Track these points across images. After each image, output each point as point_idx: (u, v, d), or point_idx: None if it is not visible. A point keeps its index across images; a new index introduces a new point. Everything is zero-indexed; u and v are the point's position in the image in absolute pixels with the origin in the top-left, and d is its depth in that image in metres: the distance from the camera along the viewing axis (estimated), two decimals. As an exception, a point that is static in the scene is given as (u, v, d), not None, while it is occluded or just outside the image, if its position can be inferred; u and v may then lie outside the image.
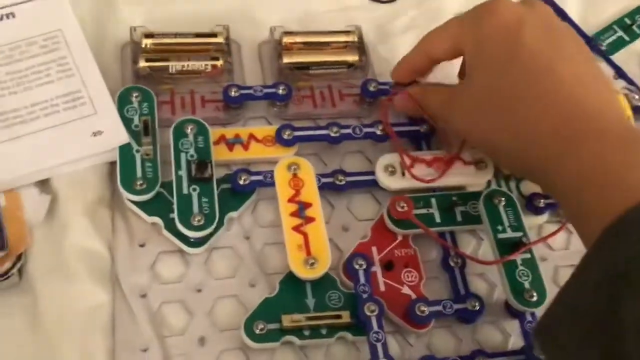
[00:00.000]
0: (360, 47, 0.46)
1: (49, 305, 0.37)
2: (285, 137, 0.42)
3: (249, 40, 0.47)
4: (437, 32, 0.41)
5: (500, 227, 0.40)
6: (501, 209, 0.41)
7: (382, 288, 0.39)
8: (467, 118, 0.39)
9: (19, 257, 0.38)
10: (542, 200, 0.42)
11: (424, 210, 0.41)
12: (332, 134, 0.43)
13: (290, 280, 0.39)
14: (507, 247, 0.39)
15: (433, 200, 0.41)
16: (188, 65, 0.44)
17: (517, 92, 0.36)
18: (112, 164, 0.41)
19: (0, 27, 0.44)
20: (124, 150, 0.40)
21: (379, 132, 0.43)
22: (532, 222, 0.42)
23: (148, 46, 0.44)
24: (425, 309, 0.38)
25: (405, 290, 0.39)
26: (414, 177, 0.41)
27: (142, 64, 0.43)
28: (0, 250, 0.37)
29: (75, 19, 0.44)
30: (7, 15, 0.44)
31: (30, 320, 0.37)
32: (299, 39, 0.46)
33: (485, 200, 0.41)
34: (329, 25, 0.48)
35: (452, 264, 0.41)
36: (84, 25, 0.45)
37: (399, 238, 0.41)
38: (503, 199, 0.41)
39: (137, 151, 0.40)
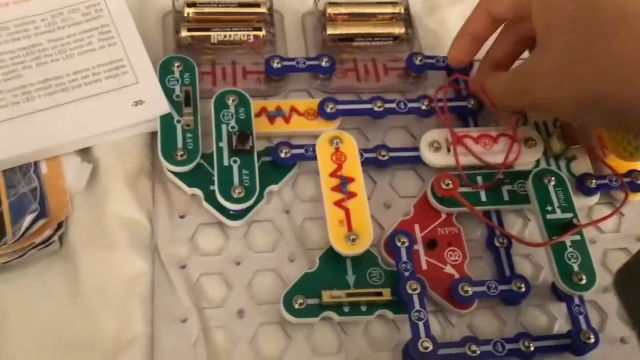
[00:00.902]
0: (406, 19, 0.45)
1: (89, 273, 0.37)
2: (327, 110, 0.41)
3: (292, 11, 0.46)
4: None
5: (549, 208, 0.39)
6: (551, 188, 0.39)
7: (424, 267, 0.38)
8: (551, 80, 0.36)
9: (59, 225, 0.38)
10: (593, 181, 0.41)
11: (469, 189, 0.40)
12: (376, 109, 0.42)
13: (330, 256, 0.38)
14: (556, 229, 0.38)
15: (479, 178, 0.40)
16: (230, 35, 0.43)
17: (608, 36, 0.34)
18: (153, 134, 0.41)
19: (45, -6, 0.44)
20: (165, 120, 0.40)
21: (424, 107, 0.42)
22: (582, 203, 0.41)
23: (190, 15, 0.43)
24: (469, 289, 0.37)
25: (448, 269, 0.38)
26: (473, 154, 0.39)
27: (184, 33, 0.43)
28: (42, 217, 0.37)
29: None
30: (52, -17, 0.44)
31: (71, 287, 0.37)
32: (343, 10, 0.44)
33: (534, 179, 0.39)
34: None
35: (497, 244, 0.39)
36: None
37: (443, 216, 0.40)
38: (553, 178, 0.39)
39: (178, 121, 0.40)
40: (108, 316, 0.36)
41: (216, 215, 0.39)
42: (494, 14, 0.40)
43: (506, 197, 0.40)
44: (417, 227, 0.39)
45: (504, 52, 0.41)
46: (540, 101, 0.37)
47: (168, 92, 0.41)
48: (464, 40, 0.42)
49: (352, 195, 0.39)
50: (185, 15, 0.43)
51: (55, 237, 0.37)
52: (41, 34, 0.42)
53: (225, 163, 0.39)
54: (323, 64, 0.43)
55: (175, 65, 0.42)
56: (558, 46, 0.36)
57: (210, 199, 0.39)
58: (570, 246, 0.38)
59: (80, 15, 0.43)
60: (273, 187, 0.40)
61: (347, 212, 0.38)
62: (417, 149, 0.41)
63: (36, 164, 0.39)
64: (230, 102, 0.41)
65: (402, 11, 0.45)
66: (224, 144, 0.39)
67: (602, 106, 0.35)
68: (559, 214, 0.38)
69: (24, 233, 0.37)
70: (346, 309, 0.37)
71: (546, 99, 0.37)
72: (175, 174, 0.39)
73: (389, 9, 0.45)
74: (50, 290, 0.37)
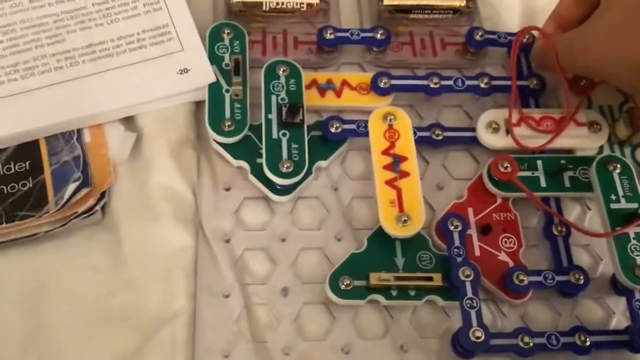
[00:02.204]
0: (468, -8, 0.43)
1: (132, 245, 0.36)
2: (381, 85, 0.40)
3: (348, -19, 0.45)
4: None
5: (613, 197, 0.36)
6: (616, 176, 0.37)
7: (478, 253, 0.37)
8: (608, 41, 0.35)
9: (102, 195, 0.37)
10: (661, 170, 0.38)
11: (528, 173, 0.38)
12: (432, 85, 0.40)
13: (379, 237, 0.36)
14: (619, 219, 0.36)
15: (539, 163, 0.38)
16: (282, 3, 0.41)
17: None
18: (199, 103, 0.40)
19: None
20: (213, 89, 0.39)
21: (482, 86, 0.40)
22: (647, 193, 0.39)
23: (243, -19, 0.42)
24: (525, 278, 0.35)
25: (503, 256, 0.37)
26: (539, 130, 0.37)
27: (235, -1, 0.41)
28: (84, 187, 0.36)
29: None
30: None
31: (113, 258, 0.36)
32: (401, -20, 0.43)
33: (598, 166, 0.37)
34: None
35: (555, 232, 0.37)
36: None
37: (499, 201, 0.38)
38: (618, 165, 0.37)
39: (227, 91, 0.39)
40: (150, 289, 0.35)
41: (262, 189, 0.38)
42: None
43: (567, 184, 0.38)
44: (470, 211, 0.38)
45: (570, 14, 0.39)
46: (597, 63, 0.36)
47: (217, 60, 0.39)
48: (553, 26, 0.40)
49: (404, 174, 0.37)
50: (237, -20, 0.42)
51: (98, 207, 0.37)
52: None
53: (274, 136, 0.38)
54: (378, 36, 0.41)
55: (225, 32, 0.40)
56: (618, 4, 0.34)
57: (257, 172, 0.38)
58: (634, 238, 0.35)
59: None
60: (322, 163, 0.39)
61: (399, 192, 0.36)
62: (473, 129, 0.39)
63: (79, 131, 0.38)
64: (281, 72, 0.39)
65: (463, -17, 0.43)
66: (273, 116, 0.38)
67: None
68: (624, 204, 0.36)
69: (66, 202, 0.36)
70: (394, 293, 0.35)
71: (603, 61, 0.36)
72: (222, 145, 0.38)
73: (449, -19, 0.43)
74: (92, 260, 0.36)
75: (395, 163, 0.37)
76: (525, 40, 0.41)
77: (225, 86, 0.39)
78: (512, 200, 0.38)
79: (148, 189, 0.37)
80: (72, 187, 0.36)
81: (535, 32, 0.41)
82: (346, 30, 0.41)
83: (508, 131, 0.39)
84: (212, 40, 0.40)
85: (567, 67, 0.38)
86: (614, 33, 0.35)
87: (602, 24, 0.36)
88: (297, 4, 0.41)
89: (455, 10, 0.42)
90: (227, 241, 0.37)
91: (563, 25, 0.39)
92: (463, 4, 0.42)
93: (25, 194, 0.36)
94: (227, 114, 0.38)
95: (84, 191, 0.36)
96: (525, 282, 0.35)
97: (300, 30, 0.42)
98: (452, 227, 0.36)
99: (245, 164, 0.38)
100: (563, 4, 0.40)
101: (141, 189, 0.38)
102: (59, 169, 0.37)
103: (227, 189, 0.38)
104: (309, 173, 0.38)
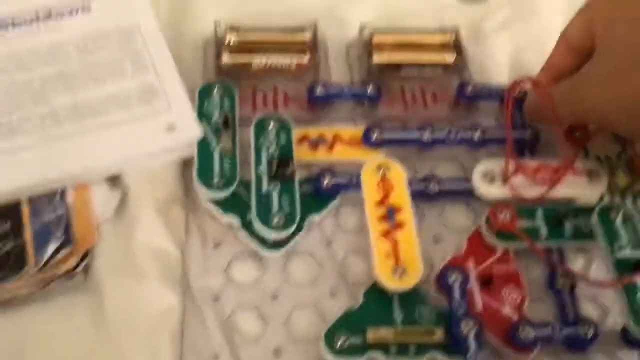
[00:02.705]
0: (457, 47, 0.43)
1: (115, 306, 0.34)
2: (373, 138, 0.39)
3: (337, 39, 0.45)
4: (573, 17, 0.38)
5: (618, 245, 0.35)
6: (619, 224, 0.36)
7: (480, 306, 0.35)
8: (604, 86, 0.35)
9: (85, 255, 0.35)
10: (665, 218, 0.37)
11: (528, 223, 0.37)
12: (425, 138, 0.39)
13: (376, 292, 0.35)
14: (626, 267, 0.34)
15: (539, 212, 0.37)
16: (272, 61, 0.41)
17: None
18: (186, 161, 0.39)
19: (76, 19, 0.43)
20: (202, 145, 0.38)
21: (476, 138, 0.40)
22: (652, 242, 0.37)
23: (232, 40, 0.42)
24: (531, 332, 0.33)
25: (507, 310, 0.35)
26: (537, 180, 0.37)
27: (226, 58, 0.41)
28: (66, 246, 0.35)
29: (152, 13, 0.43)
30: (83, 8, 0.43)
31: (95, 321, 0.34)
32: (390, 38, 0.43)
33: (600, 214, 0.36)
34: (417, 25, 0.45)
35: (560, 284, 0.36)
36: (162, 19, 0.44)
37: (499, 252, 0.37)
38: (621, 213, 0.36)
39: (216, 147, 0.38)
40: (135, 352, 0.33)
41: (252, 245, 0.36)
42: (571, 44, 0.38)
43: (569, 234, 0.37)
44: (470, 263, 0.36)
45: (564, 63, 0.39)
46: (594, 110, 0.36)
47: (207, 117, 0.39)
48: (546, 77, 0.40)
49: (399, 225, 0.36)
50: (228, 40, 0.42)
51: (80, 268, 0.35)
52: (72, 60, 0.41)
53: (264, 189, 0.36)
54: (369, 91, 0.41)
55: (215, 90, 0.40)
56: (613, 49, 0.35)
57: (247, 227, 0.36)
58: (643, 287, 0.34)
59: (113, 41, 0.42)
60: (314, 217, 0.38)
61: (394, 243, 0.35)
62: (468, 180, 0.38)
63: (63, 191, 0.37)
64: (271, 127, 0.39)
65: (452, 39, 0.43)
66: (263, 170, 0.37)
67: None
68: (630, 252, 0.35)
69: (47, 262, 0.35)
70: (393, 350, 0.33)
71: (600, 107, 0.35)
72: (211, 201, 0.37)
73: (438, 38, 0.43)
74: (74, 324, 0.34)
75: (390, 214, 0.36)
76: (518, 92, 0.41)
77: (214, 142, 0.38)
78: (513, 251, 0.37)
79: (133, 248, 0.36)
80: (53, 246, 0.35)
81: (528, 84, 0.41)
82: (337, 86, 0.41)
83: (504, 181, 0.38)
84: (202, 97, 0.40)
85: (563, 117, 0.38)
86: (609, 79, 0.35)
87: (597, 71, 0.36)
88: (287, 61, 0.41)
89: (445, 66, 0.43)
90: (216, 300, 0.35)
91: (557, 75, 0.39)
92: (452, 59, 0.42)
93: (4, 255, 0.35)
94: (216, 170, 0.37)
95: (65, 250, 0.35)
96: (532, 336, 0.33)
97: (291, 87, 0.42)
98: (452, 281, 0.34)
99: (235, 219, 0.37)
100: (556, 55, 0.40)
101: (126, 248, 0.36)
102: (41, 229, 0.36)
103: (216, 246, 0.37)
104: (300, 227, 0.37)
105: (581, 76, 0.37)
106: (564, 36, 0.39)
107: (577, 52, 0.38)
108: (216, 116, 0.39)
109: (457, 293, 0.34)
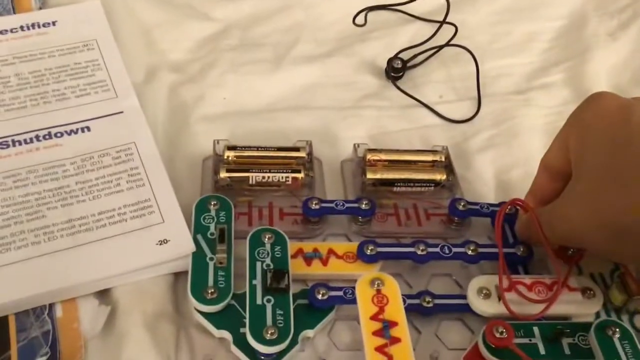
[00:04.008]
0: (447, 166, 0.44)
1: None
2: (368, 252, 0.39)
3: (331, 158, 0.46)
4: (552, 143, 0.39)
5: (618, 364, 0.34)
6: (616, 341, 0.35)
7: None
8: (581, 207, 0.35)
9: (71, 372, 0.34)
10: (662, 337, 0.37)
11: (525, 340, 0.36)
12: (419, 252, 0.40)
13: (372, 413, 0.33)
14: (628, 387, 0.34)
15: (536, 329, 0.36)
16: (268, 177, 0.42)
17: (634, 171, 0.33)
18: (177, 275, 0.39)
19: (75, 139, 0.44)
20: (197, 257, 0.38)
21: (470, 253, 0.40)
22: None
23: (230, 158, 0.43)
24: None
25: None
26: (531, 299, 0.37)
27: (223, 174, 0.42)
28: (52, 363, 0.34)
29: (149, 131, 0.45)
30: (83, 129, 0.45)
31: None
32: (383, 157, 0.44)
33: (597, 331, 0.36)
34: (405, 144, 0.48)
35: (562, 405, 0.35)
36: (159, 138, 0.45)
37: (498, 370, 0.36)
38: (618, 330, 0.35)
39: (211, 259, 0.38)
40: None
41: (245, 361, 0.35)
42: (550, 168, 0.39)
43: (567, 351, 0.36)
44: (469, 382, 0.35)
45: (546, 189, 0.40)
46: (574, 231, 0.36)
47: (202, 230, 0.39)
48: (532, 201, 0.40)
49: (395, 340, 0.35)
50: (226, 158, 0.43)
51: (65, 386, 0.34)
52: (69, 177, 0.42)
53: (259, 302, 0.36)
54: (363, 206, 0.41)
55: (212, 203, 0.41)
56: (589, 170, 0.35)
57: (240, 342, 0.35)
58: (648, 407, 0.33)
59: (111, 159, 0.43)
60: (308, 332, 0.37)
61: (390, 359, 0.34)
62: (464, 296, 0.38)
63: (51, 306, 0.37)
64: (267, 240, 0.39)
65: (443, 159, 0.44)
66: (257, 282, 0.37)
67: (635, 236, 0.33)
68: (630, 371, 0.34)
69: (31, 379, 0.33)
70: None
71: (579, 228, 0.36)
72: (204, 314, 0.36)
73: (429, 157, 0.45)
74: None
75: (385, 328, 0.35)
76: (507, 210, 0.42)
77: (209, 254, 0.38)
78: (511, 369, 0.36)
79: (120, 366, 0.35)
80: (38, 362, 0.34)
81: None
82: (331, 202, 0.42)
83: (500, 298, 0.38)
84: (199, 211, 0.40)
85: (550, 238, 0.38)
86: (584, 201, 0.35)
87: (574, 194, 0.37)
88: (282, 177, 0.42)
89: (437, 183, 0.44)
90: (206, 421, 0.34)
91: (541, 199, 0.40)
92: (444, 177, 0.44)
93: (-13, 372, 0.34)
94: (211, 282, 0.37)
95: (51, 367, 0.34)
96: None
97: (286, 203, 0.43)
98: (451, 399, 0.33)
99: (228, 334, 0.36)
100: (538, 181, 0.41)
101: (113, 365, 0.35)
102: (27, 345, 0.35)
103: (207, 362, 0.36)
104: (294, 342, 0.36)
105: (562, 199, 0.37)
106: (543, 162, 0.40)
107: (558, 176, 0.39)
108: (212, 229, 0.40)
109: (457, 413, 0.33)
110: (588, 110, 0.37)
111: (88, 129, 0.45)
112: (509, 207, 0.41)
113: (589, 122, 0.36)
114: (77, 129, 0.45)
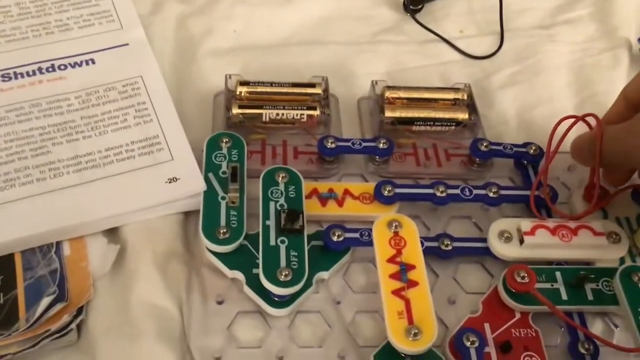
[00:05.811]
0: (470, 104, 0.42)
1: (109, 367, 0.32)
2: (385, 193, 0.38)
3: (348, 96, 0.44)
4: (635, 76, 0.38)
5: (643, 309, 0.33)
6: (642, 287, 0.34)
7: (499, 373, 0.33)
8: None
9: (79, 311, 0.34)
10: (688, 282, 0.36)
11: (547, 285, 0.35)
12: (438, 194, 0.38)
13: (387, 355, 0.33)
14: (652, 333, 0.33)
15: (558, 274, 0.35)
16: (282, 114, 0.41)
17: None
18: (188, 214, 0.38)
19: (80, 72, 0.43)
20: (209, 196, 0.37)
21: (491, 195, 0.38)
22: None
23: (242, 94, 0.42)
24: (554, 401, 0.31)
25: (527, 378, 0.33)
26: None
27: (235, 110, 0.41)
28: (60, 301, 0.33)
29: (157, 66, 0.43)
30: (87, 62, 0.43)
31: (88, 382, 0.32)
32: (402, 94, 0.42)
33: (622, 277, 0.35)
34: (422, 81, 0.46)
35: (582, 350, 0.34)
36: (167, 73, 0.44)
37: (517, 315, 0.35)
38: (644, 275, 0.35)
39: (223, 198, 0.37)
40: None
41: (258, 302, 0.35)
42: (630, 97, 0.38)
43: (590, 297, 0.35)
44: (487, 326, 0.34)
45: (621, 120, 0.38)
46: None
47: (214, 168, 0.38)
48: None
49: (413, 284, 0.34)
50: (238, 94, 0.42)
51: (73, 325, 0.33)
52: (74, 111, 0.41)
53: (272, 243, 0.35)
54: (380, 145, 0.40)
55: (224, 141, 0.39)
56: None
57: (253, 283, 0.35)
58: (670, 354, 0.32)
59: (117, 93, 0.42)
60: (323, 274, 0.36)
61: (407, 302, 0.33)
62: (484, 239, 0.37)
63: (58, 244, 0.36)
64: (280, 179, 0.37)
65: (465, 97, 0.43)
66: (271, 223, 0.36)
67: None
68: (655, 316, 0.33)
69: (38, 318, 0.33)
70: (407, 419, 0.31)
71: None
72: (216, 254, 0.35)
73: (451, 95, 0.43)
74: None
75: (402, 271, 0.34)
76: (532, 152, 0.40)
77: (221, 193, 0.37)
78: (531, 314, 0.35)
79: (130, 305, 0.34)
80: (45, 301, 0.33)
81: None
82: (347, 140, 0.40)
83: (521, 241, 0.36)
84: (210, 149, 0.39)
85: (609, 154, 0.36)
86: None
87: None
88: (297, 115, 0.41)
89: (458, 123, 0.42)
90: (217, 360, 0.33)
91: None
92: (466, 116, 0.42)
93: (-5, 310, 0.33)
94: (223, 222, 0.36)
95: (58, 306, 0.33)
96: (556, 406, 0.31)
97: (301, 141, 0.41)
98: (468, 343, 0.32)
99: (240, 275, 0.35)
100: (615, 109, 0.39)
101: (122, 305, 0.34)
102: (34, 283, 0.34)
103: (220, 302, 0.35)
104: (309, 284, 0.35)
105: (634, 119, 0.36)
106: (624, 90, 0.39)
107: (635, 108, 0.38)
108: (224, 167, 0.38)
109: (473, 357, 0.32)
110: None
111: (92, 61, 0.43)
112: (575, 122, 0.38)
113: None
114: (82, 62, 0.43)
